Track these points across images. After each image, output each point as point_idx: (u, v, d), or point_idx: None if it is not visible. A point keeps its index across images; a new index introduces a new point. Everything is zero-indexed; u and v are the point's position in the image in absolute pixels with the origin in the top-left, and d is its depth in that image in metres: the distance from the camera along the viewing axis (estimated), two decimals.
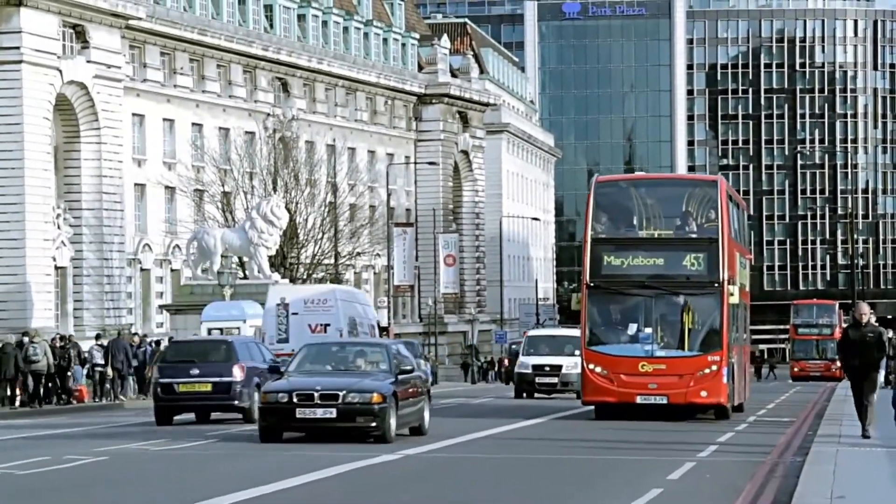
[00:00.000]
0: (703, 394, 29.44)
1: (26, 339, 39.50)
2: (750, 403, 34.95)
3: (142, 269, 66.91)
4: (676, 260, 29.95)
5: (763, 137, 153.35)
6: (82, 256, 61.10)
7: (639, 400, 29.53)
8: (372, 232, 71.65)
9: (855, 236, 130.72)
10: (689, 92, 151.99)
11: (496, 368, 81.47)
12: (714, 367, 29.42)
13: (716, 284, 29.51)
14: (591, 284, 29.96)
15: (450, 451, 22.55)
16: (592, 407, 30.85)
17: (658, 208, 31.02)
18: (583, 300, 29.96)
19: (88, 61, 60.67)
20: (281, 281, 58.64)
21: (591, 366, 29.84)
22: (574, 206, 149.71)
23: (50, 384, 40.27)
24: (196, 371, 29.89)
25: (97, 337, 43.75)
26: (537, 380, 44.84)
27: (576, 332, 36.53)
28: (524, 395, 45.08)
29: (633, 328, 29.91)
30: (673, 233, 30.77)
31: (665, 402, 29.44)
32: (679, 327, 29.79)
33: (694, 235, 30.46)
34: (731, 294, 29.57)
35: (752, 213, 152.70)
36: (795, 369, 78.00)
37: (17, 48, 57.33)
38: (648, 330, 29.73)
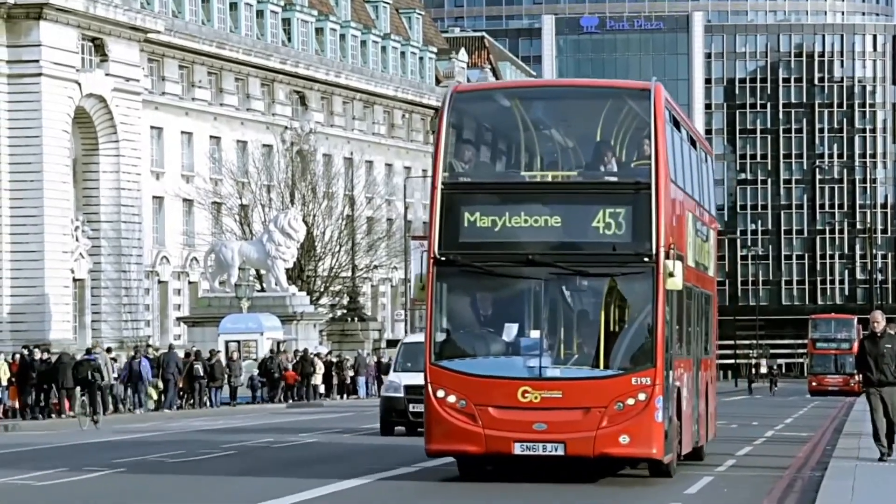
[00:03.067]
0: (624, 439, 18.09)
1: (96, 351, 41.02)
2: (767, 419, 34.55)
3: (159, 282, 67.01)
4: (582, 219, 18.62)
5: (781, 152, 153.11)
6: (100, 269, 61.20)
7: (517, 450, 18.18)
8: (389, 245, 71.74)
9: (874, 251, 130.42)
10: (708, 106, 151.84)
11: None
12: (642, 396, 18.07)
13: (646, 259, 18.28)
14: (443, 259, 18.47)
15: None
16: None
17: (556, 135, 20.05)
18: (428, 284, 18.50)
19: (107, 74, 60.81)
20: (298, 293, 58.95)
21: (441, 392, 18.36)
22: None
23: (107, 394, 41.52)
24: None
25: (108, 350, 44.15)
26: (412, 407, 29.30)
27: None
28: (393, 429, 30.67)
29: (510, 331, 18.56)
30: (578, 175, 19.25)
31: (561, 452, 18.14)
32: (585, 330, 18.65)
33: (612, 179, 18.95)
34: (671, 275, 18.28)
35: (769, 226, 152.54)
36: (813, 384, 77.75)
37: (37, 61, 57.51)
38: (535, 334, 18.43)
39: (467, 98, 19.66)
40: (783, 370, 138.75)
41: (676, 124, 20.35)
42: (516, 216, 18.61)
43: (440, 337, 18.65)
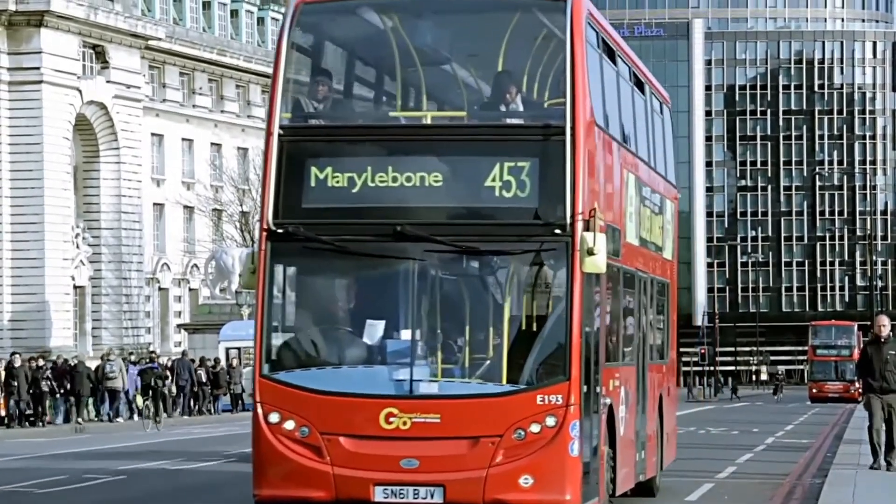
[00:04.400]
0: (526, 481, 13.11)
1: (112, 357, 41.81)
2: (767, 425, 34.46)
3: (160, 289, 67.06)
4: (472, 176, 13.58)
5: (781, 158, 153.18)
6: (101, 276, 61.26)
7: (378, 496, 13.16)
8: None
9: (874, 258, 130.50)
10: (708, 113, 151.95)
11: None
12: (550, 421, 13.19)
13: (557, 232, 13.33)
14: (279, 231, 13.53)
15: None
16: None
17: (440, 63, 14.53)
18: (259, 266, 13.52)
19: (108, 81, 60.89)
20: None
21: (275, 417, 13.40)
22: None
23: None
24: None
25: (102, 357, 44.48)
26: None
27: None
28: None
29: (371, 332, 13.56)
30: (468, 116, 14.14)
31: (439, 499, 13.13)
32: (473, 330, 13.70)
33: (514, 122, 13.96)
34: (591, 253, 13.19)
35: (769, 233, 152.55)
36: (814, 391, 77.76)
37: (38, 68, 57.59)
38: (405, 335, 13.46)
39: (317, 12, 13.85)
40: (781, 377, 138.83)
41: (611, 54, 15.21)
42: (382, 172, 13.23)
43: (275, 340, 13.39)
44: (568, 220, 13.14)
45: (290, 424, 13.17)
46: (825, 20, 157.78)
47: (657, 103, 18.76)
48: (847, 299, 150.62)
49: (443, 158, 13.41)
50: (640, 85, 17.31)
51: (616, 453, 14.79)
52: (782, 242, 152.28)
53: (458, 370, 13.36)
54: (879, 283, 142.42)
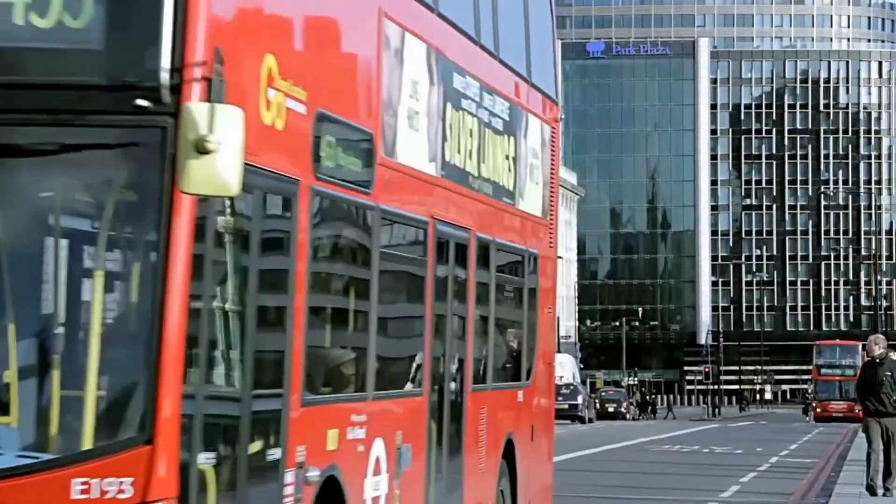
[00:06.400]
0: None
1: None
2: (771, 444, 34.25)
3: None
4: None
5: (787, 177, 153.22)
6: None
7: None
8: None
9: (878, 277, 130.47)
10: (713, 131, 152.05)
11: None
12: None
13: (144, 103, 6.14)
14: None
15: None
16: None
17: None
18: None
19: None
20: None
21: None
22: (597, 244, 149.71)
23: None
24: None
25: None
26: None
27: None
28: None
29: None
30: None
31: None
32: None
33: None
34: (202, 145, 5.90)
35: (774, 252, 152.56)
36: (818, 410, 77.70)
37: None
38: None
39: None
40: (787, 396, 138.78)
41: None
42: None
43: None
44: (165, 78, 6.22)
45: None
46: (831, 40, 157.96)
47: None
48: (851, 318, 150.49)
49: None
50: None
51: None
52: (787, 261, 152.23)
53: None
54: (884, 303, 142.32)
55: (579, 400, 66.08)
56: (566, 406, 64.39)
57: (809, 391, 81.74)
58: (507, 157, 11.85)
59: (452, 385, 10.47)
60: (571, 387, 68.52)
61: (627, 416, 75.11)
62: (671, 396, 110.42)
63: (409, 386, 9.62)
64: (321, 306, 7.95)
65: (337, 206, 8.04)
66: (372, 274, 8.57)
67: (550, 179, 13.24)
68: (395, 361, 9.45)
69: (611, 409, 72.66)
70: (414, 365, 9.70)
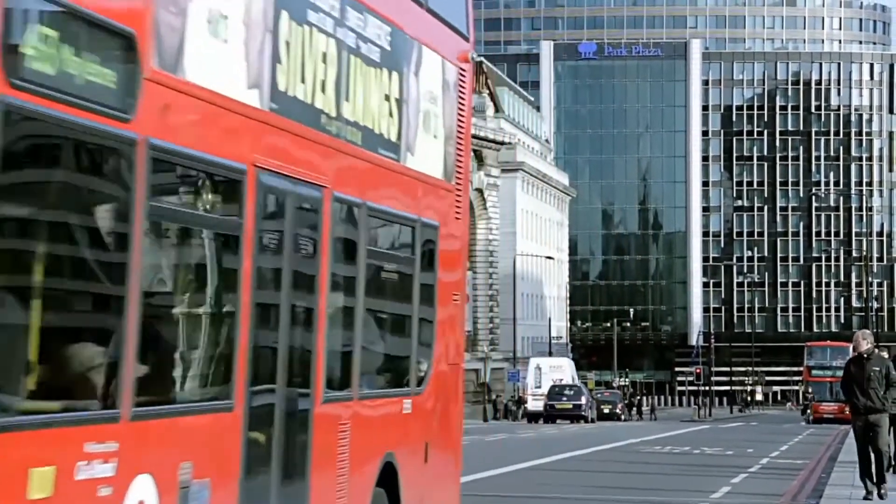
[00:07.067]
0: None
1: None
2: (762, 446, 34.23)
3: None
4: None
5: (778, 179, 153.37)
6: None
7: None
8: None
9: (869, 279, 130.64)
10: (704, 133, 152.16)
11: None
12: None
13: None
14: None
15: None
16: None
17: None
18: None
19: None
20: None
21: None
22: (588, 245, 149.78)
23: None
24: None
25: None
26: None
27: None
28: None
29: None
30: None
31: None
32: None
33: None
34: None
35: (765, 253, 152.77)
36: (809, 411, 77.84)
37: None
38: None
39: None
40: (778, 397, 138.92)
41: None
42: None
43: None
44: None
45: None
46: (822, 41, 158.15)
47: None
48: (843, 320, 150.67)
49: None
50: None
51: None
52: (778, 263, 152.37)
53: None
54: (875, 304, 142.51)
55: (583, 400, 67.71)
56: (570, 406, 66.63)
57: (810, 391, 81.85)
58: (388, 99, 9.24)
59: (289, 394, 7.81)
60: (575, 388, 70.28)
61: (623, 416, 76.13)
62: (655, 398, 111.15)
63: (203, 395, 6.97)
64: (27, 286, 5.42)
65: (50, 128, 5.47)
66: (132, 237, 6.00)
67: (458, 134, 10.66)
68: (178, 362, 6.75)
69: (606, 410, 73.55)
70: (212, 368, 7.04)
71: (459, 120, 10.71)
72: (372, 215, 9.01)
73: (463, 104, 10.81)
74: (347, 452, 8.62)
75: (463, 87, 10.82)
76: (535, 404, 71.51)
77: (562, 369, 76.21)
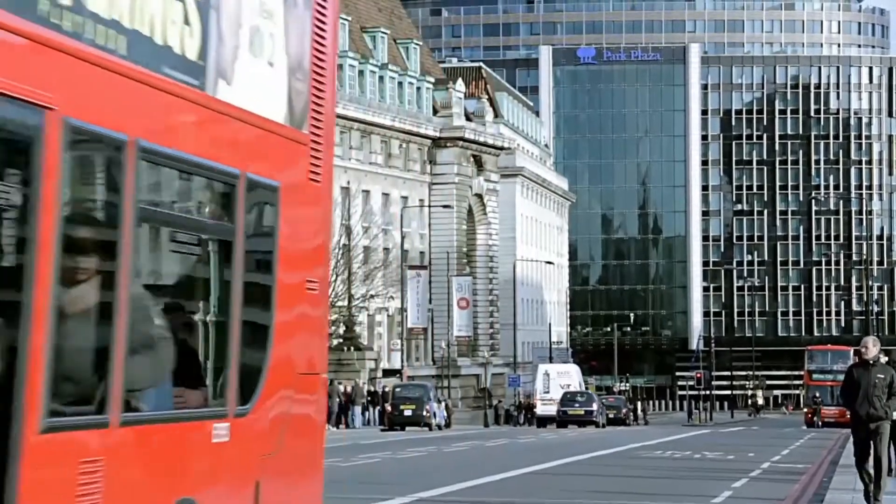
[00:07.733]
0: None
1: None
2: (763, 450, 34.23)
3: None
4: None
5: (777, 183, 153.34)
6: None
7: None
8: (386, 274, 71.78)
9: (870, 282, 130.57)
10: (704, 137, 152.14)
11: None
12: None
13: None
14: None
15: None
16: None
17: None
18: None
19: None
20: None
21: None
22: (588, 250, 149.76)
23: None
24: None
25: None
26: None
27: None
28: None
29: None
30: None
31: None
32: None
33: None
34: None
35: (765, 257, 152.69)
36: (809, 415, 77.74)
37: None
38: None
39: None
40: (779, 401, 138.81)
41: None
42: None
43: None
44: None
45: None
46: (821, 45, 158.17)
47: None
48: (843, 324, 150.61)
49: None
50: None
51: None
52: (778, 267, 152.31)
53: None
54: (875, 308, 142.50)
55: (594, 406, 70.59)
56: (582, 412, 69.53)
57: (817, 395, 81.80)
58: (185, 13, 6.64)
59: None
60: (587, 395, 73.69)
61: (628, 421, 77.62)
62: (652, 402, 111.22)
63: None
64: None
65: None
66: None
67: (316, 68, 8.00)
68: None
69: (611, 416, 74.82)
70: None
71: (318, 49, 7.99)
72: (148, 160, 6.22)
73: (324, 28, 8.08)
74: (99, 499, 5.94)
75: (323, 7, 8.12)
76: (544, 409, 73.31)
77: (569, 375, 78.55)
